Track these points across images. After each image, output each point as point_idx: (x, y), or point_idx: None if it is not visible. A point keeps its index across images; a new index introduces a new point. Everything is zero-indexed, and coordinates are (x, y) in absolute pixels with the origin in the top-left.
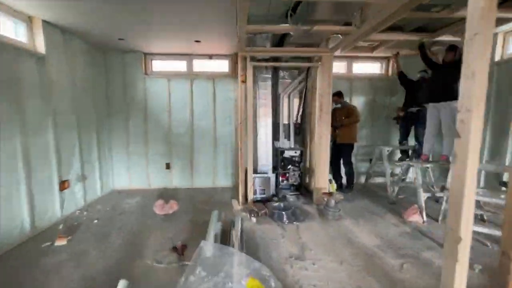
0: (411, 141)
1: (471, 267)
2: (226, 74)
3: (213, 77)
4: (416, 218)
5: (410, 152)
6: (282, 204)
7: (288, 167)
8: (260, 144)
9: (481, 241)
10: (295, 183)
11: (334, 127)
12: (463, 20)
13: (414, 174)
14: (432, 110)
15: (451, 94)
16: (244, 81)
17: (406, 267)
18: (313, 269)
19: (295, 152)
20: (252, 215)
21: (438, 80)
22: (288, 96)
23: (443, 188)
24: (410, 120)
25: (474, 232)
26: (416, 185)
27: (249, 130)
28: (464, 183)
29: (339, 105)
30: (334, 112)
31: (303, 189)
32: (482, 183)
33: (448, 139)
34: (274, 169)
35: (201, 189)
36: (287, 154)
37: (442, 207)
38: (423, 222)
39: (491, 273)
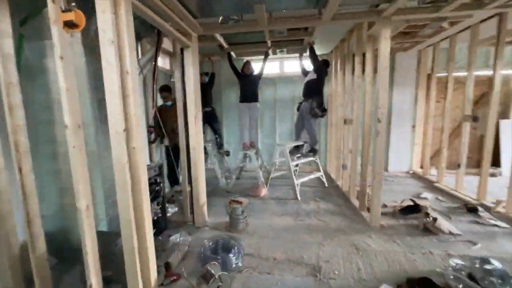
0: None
1: (314, 200)
2: None
3: None
4: (264, 191)
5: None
6: (210, 244)
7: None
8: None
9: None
10: (155, 218)
11: (163, 129)
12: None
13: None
14: (244, 108)
15: (257, 97)
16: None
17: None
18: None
19: (155, 171)
20: None
21: (247, 86)
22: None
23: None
24: (205, 118)
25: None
26: (256, 166)
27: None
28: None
29: (169, 103)
30: (164, 111)
31: (163, 220)
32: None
33: (255, 130)
34: None
35: None
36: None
37: (271, 176)
38: (267, 192)
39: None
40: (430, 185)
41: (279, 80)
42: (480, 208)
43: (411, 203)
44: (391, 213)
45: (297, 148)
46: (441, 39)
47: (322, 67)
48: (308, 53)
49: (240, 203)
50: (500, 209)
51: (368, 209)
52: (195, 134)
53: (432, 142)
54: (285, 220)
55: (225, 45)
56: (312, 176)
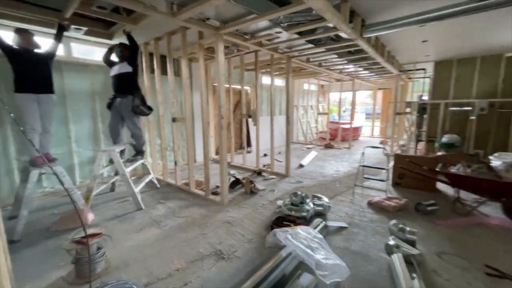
0: None
1: (159, 203)
2: None
3: None
4: (91, 216)
5: None
6: None
7: None
8: None
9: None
10: None
11: None
12: None
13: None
14: (30, 102)
15: (51, 86)
16: None
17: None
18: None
19: None
20: None
21: (31, 68)
22: None
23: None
24: None
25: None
26: (69, 186)
27: None
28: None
29: None
30: None
31: None
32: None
33: (50, 135)
34: None
35: None
36: None
37: (93, 193)
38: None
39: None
40: (229, 165)
41: (68, 66)
42: (262, 172)
43: (234, 179)
44: None
45: (120, 153)
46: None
47: (137, 60)
48: (128, 41)
49: (96, 235)
50: (268, 169)
51: (213, 193)
52: None
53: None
54: (149, 232)
55: None
56: (147, 180)
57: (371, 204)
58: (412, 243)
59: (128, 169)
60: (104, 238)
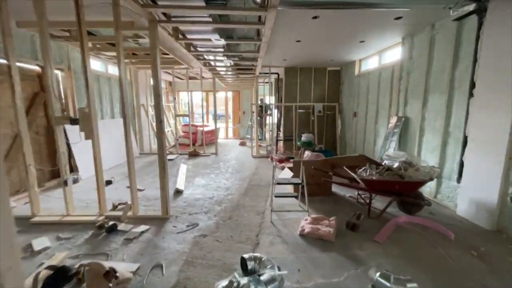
0: None
1: None
2: None
3: None
4: None
5: None
6: None
7: None
8: None
9: None
10: None
11: None
12: None
13: None
14: None
15: None
16: None
17: None
18: None
19: None
20: None
21: None
22: None
23: None
24: None
25: None
26: None
27: None
28: None
29: None
30: None
31: None
32: None
33: None
34: None
35: None
36: None
37: None
38: None
39: None
40: (28, 225)
41: None
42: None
43: (48, 273)
44: None
45: None
46: None
47: None
48: None
49: None
50: (128, 213)
51: None
52: None
53: None
54: None
55: None
56: None
57: (303, 236)
58: None
59: None
60: None
